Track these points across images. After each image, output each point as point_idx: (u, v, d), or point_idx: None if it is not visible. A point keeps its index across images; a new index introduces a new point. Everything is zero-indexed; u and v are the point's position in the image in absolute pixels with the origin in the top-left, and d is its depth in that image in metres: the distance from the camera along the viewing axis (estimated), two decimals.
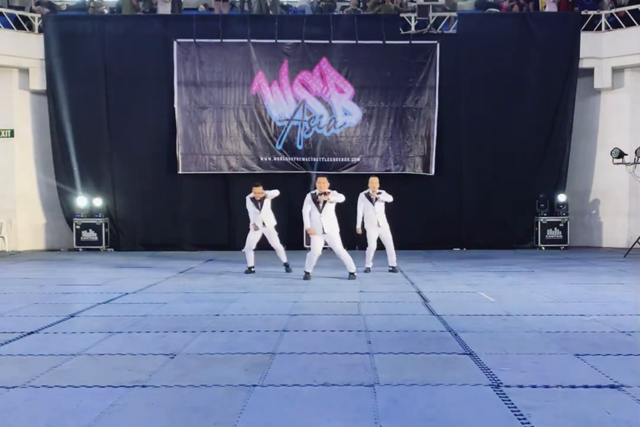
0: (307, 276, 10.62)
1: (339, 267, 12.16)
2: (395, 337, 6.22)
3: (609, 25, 16.02)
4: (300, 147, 15.87)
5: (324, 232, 10.44)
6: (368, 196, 11.27)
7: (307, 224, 10.49)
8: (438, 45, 15.68)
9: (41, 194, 16.54)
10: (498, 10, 17.16)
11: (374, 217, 11.24)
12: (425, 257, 14.26)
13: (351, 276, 10.61)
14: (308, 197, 10.55)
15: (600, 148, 16.19)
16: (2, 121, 16.21)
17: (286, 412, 4.13)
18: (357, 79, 15.81)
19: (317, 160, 15.77)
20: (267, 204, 11.31)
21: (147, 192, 16.03)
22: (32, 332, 6.51)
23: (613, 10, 16.16)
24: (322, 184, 10.41)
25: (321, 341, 6.06)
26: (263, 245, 11.81)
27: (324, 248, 10.88)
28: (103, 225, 15.90)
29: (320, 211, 10.37)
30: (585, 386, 4.59)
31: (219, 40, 15.74)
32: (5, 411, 4.20)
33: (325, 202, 10.35)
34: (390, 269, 11.51)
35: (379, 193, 11.24)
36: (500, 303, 8.11)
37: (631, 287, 9.36)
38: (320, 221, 10.37)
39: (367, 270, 11.47)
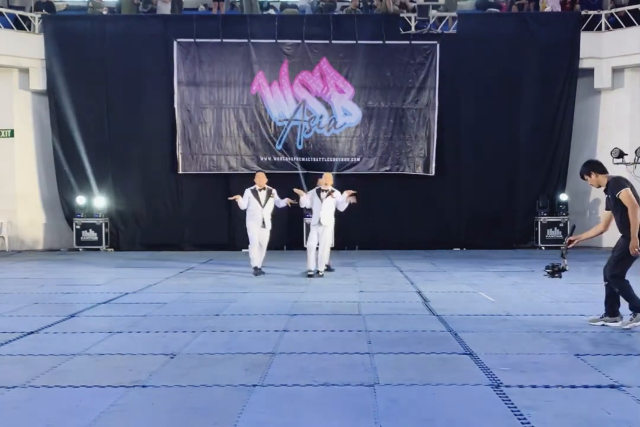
0: (310, 273, 10.75)
1: (339, 267, 12.16)
2: (395, 337, 6.22)
3: (609, 25, 16.00)
4: (300, 147, 15.86)
5: (320, 224, 10.78)
6: (318, 192, 10.99)
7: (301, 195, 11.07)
8: (438, 45, 15.66)
9: (41, 194, 16.52)
10: (498, 10, 17.14)
11: (318, 213, 10.86)
12: (425, 257, 14.25)
13: (317, 273, 10.84)
14: (312, 191, 11.14)
15: (600, 148, 16.15)
16: (2, 121, 16.19)
17: (286, 412, 4.13)
18: (357, 79, 15.79)
19: (317, 160, 15.77)
20: (270, 202, 11.13)
21: (147, 193, 16.03)
22: (32, 332, 6.51)
23: (613, 10, 16.15)
24: (327, 179, 11.01)
25: (321, 341, 6.07)
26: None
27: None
28: (103, 225, 15.88)
29: (322, 205, 10.84)
30: (585, 386, 4.59)
31: (219, 40, 15.72)
32: (5, 411, 4.20)
33: (328, 195, 10.84)
34: (316, 272, 10.86)
35: (332, 191, 10.93)
36: (500, 303, 8.12)
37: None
38: (319, 214, 10.79)
39: (311, 274, 10.85)
